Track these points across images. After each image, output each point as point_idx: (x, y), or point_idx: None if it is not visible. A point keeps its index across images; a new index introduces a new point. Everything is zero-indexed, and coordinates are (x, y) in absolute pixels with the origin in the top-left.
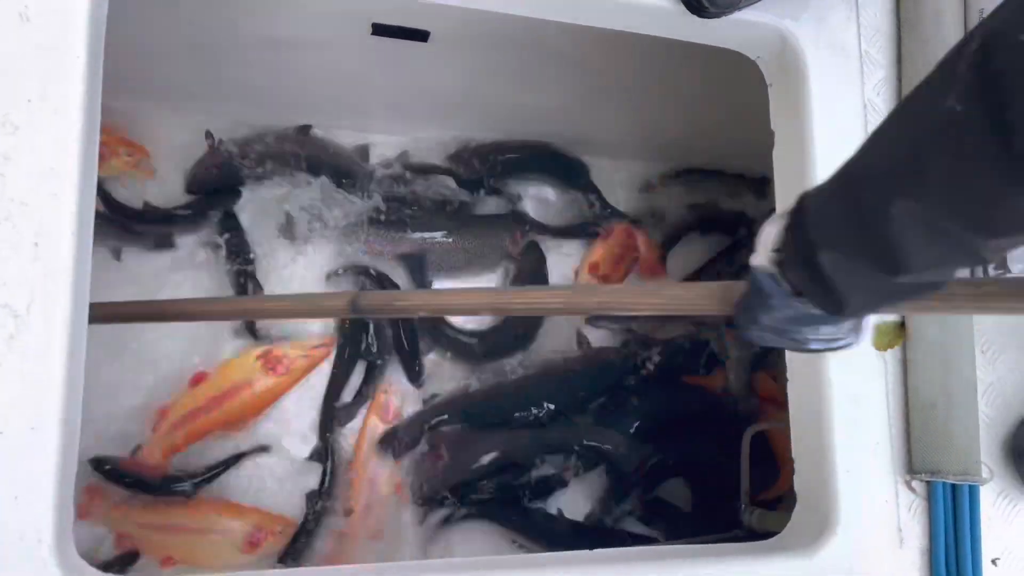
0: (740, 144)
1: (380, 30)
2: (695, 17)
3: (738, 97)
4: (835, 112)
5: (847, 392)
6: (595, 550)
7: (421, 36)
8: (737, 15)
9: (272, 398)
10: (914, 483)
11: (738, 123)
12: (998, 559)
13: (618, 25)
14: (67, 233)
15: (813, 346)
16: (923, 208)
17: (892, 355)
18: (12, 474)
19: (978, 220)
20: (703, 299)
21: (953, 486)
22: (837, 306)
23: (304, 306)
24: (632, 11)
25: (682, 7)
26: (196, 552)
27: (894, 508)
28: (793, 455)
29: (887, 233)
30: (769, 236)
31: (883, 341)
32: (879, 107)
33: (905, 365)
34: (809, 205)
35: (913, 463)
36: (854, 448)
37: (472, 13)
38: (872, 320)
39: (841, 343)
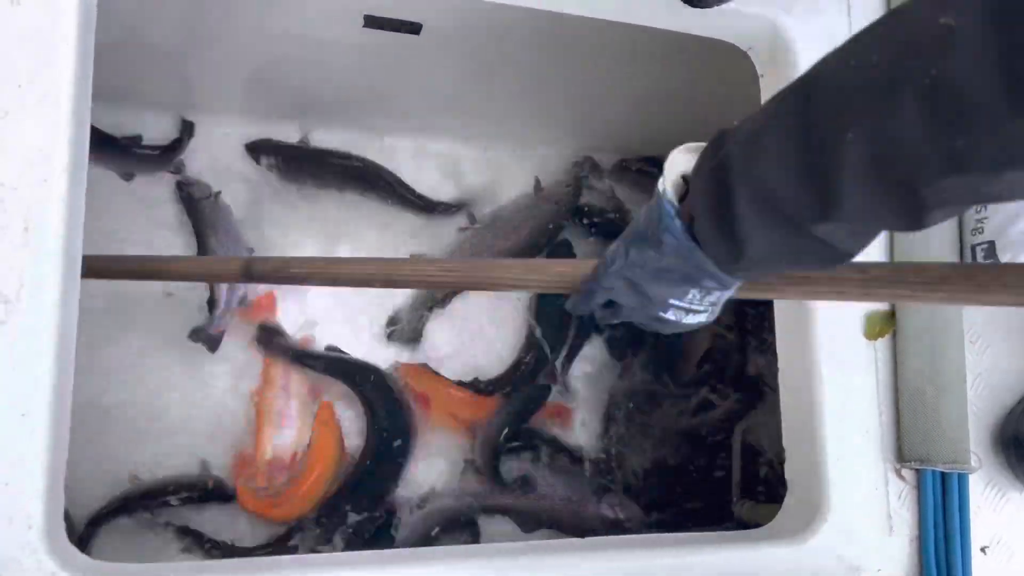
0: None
1: (372, 22)
2: (688, 7)
3: (727, 89)
4: None
5: (837, 381)
6: (586, 538)
7: (413, 28)
8: (729, 5)
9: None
10: (904, 471)
11: (727, 115)
12: (987, 547)
13: (611, 15)
14: (57, 218)
15: (668, 315)
16: (885, 140)
17: (882, 344)
18: (2, 460)
19: (951, 157)
20: (542, 274)
21: (942, 474)
22: (733, 254)
23: (197, 268)
24: (625, 1)
25: None
26: None
27: (884, 496)
28: (784, 444)
29: (832, 167)
30: (678, 162)
31: (873, 330)
32: None
33: (895, 354)
34: (735, 131)
35: (903, 451)
36: (844, 437)
37: (465, 4)
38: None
39: (697, 317)
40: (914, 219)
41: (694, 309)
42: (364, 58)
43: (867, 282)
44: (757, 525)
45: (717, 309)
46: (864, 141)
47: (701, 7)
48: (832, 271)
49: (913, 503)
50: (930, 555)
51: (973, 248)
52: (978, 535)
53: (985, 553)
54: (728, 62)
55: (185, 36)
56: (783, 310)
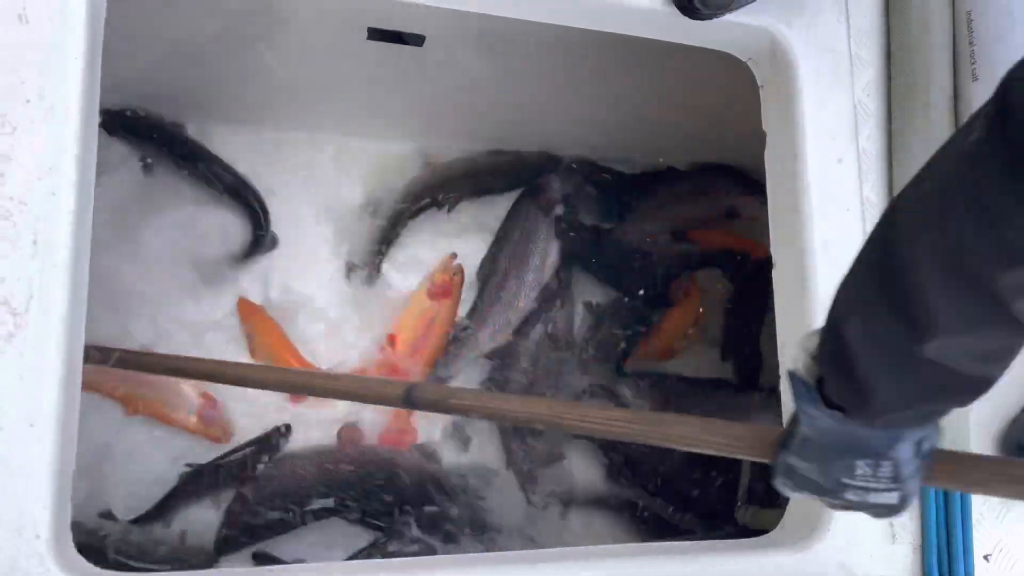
0: (729, 144)
1: (376, 35)
2: (687, 19)
3: (729, 98)
4: (826, 112)
5: None
6: (589, 546)
7: (417, 40)
8: (728, 17)
9: (452, 320)
10: None
11: (730, 123)
12: (990, 555)
13: (611, 27)
14: (65, 231)
15: (848, 496)
16: (950, 246)
17: None
18: (10, 469)
19: (1002, 251)
20: (745, 440)
21: None
22: (865, 399)
23: (358, 388)
24: (625, 14)
25: (674, 9)
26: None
27: None
28: None
29: (910, 280)
30: (809, 341)
31: None
32: (869, 107)
33: None
34: (838, 297)
35: None
36: None
37: (466, 16)
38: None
39: (881, 497)
40: (1005, 318)
41: (872, 488)
42: (369, 68)
43: None
44: (760, 530)
45: (906, 486)
46: (933, 251)
47: (700, 19)
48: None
49: (916, 511)
50: (933, 563)
51: None
52: (981, 543)
53: (988, 561)
54: (730, 71)
55: (193, 51)
56: (785, 318)
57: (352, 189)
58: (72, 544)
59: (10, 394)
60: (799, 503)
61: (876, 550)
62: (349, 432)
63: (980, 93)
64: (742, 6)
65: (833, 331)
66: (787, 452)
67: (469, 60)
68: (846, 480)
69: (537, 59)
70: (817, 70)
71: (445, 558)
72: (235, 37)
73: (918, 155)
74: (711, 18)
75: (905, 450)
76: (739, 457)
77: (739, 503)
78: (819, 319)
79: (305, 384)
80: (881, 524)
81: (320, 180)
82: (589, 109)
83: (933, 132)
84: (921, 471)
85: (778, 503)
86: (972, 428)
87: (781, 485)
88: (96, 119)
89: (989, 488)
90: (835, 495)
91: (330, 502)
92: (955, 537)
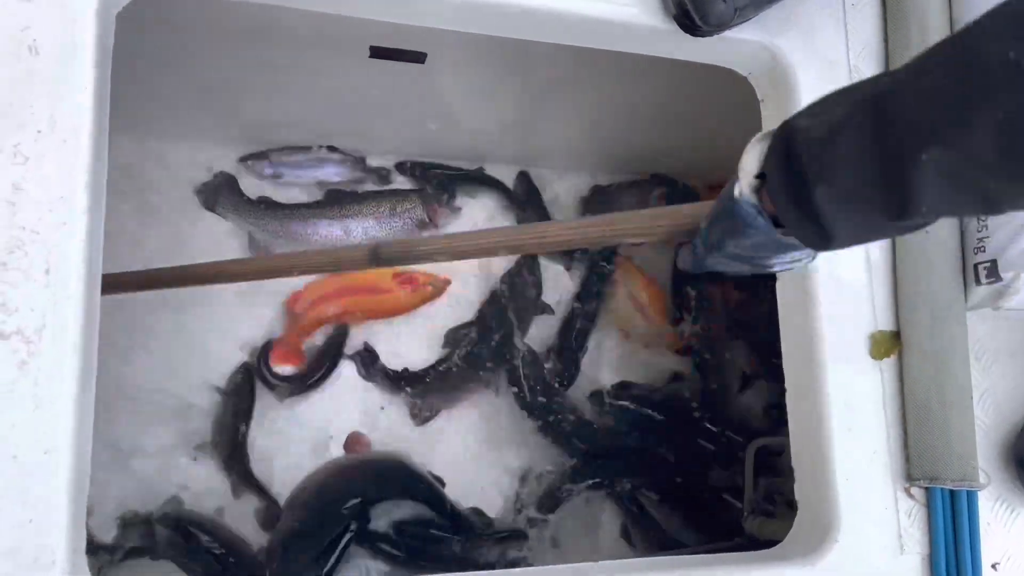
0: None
1: (378, 53)
2: (688, 36)
3: (730, 110)
4: None
5: (844, 401)
6: (598, 562)
7: (418, 58)
8: (728, 33)
9: (395, 310)
10: (913, 490)
11: (731, 135)
12: (998, 564)
13: (612, 46)
14: (77, 260)
15: (775, 268)
16: (959, 160)
17: (888, 364)
18: (26, 497)
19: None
20: (664, 221)
21: (951, 492)
22: (823, 240)
23: (325, 259)
24: (626, 32)
25: (675, 27)
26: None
27: (894, 515)
28: (792, 464)
29: (909, 179)
30: (752, 161)
31: (879, 351)
32: None
33: (901, 373)
34: (804, 131)
35: (911, 470)
36: (853, 456)
37: (467, 36)
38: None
39: (800, 263)
40: (991, 212)
41: (797, 259)
42: (371, 86)
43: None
44: (768, 540)
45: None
46: (940, 162)
47: (700, 35)
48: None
49: (923, 521)
50: (941, 573)
51: (976, 267)
52: (989, 552)
53: (996, 570)
54: (730, 85)
55: (193, 73)
56: (789, 332)
57: None
58: (87, 567)
59: (24, 422)
60: (807, 518)
61: (884, 561)
62: (355, 439)
63: None
64: (742, 22)
65: (798, 178)
66: (714, 254)
67: (470, 77)
68: (775, 260)
69: (538, 75)
70: (817, 83)
71: None
72: (238, 62)
73: None
74: (711, 35)
75: None
76: (667, 237)
77: (745, 513)
78: (826, 341)
79: (276, 267)
80: (890, 535)
81: None
82: (589, 126)
83: None
84: None
85: (785, 513)
86: (978, 436)
87: (702, 261)
88: (106, 148)
89: None
90: (762, 267)
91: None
92: (963, 546)
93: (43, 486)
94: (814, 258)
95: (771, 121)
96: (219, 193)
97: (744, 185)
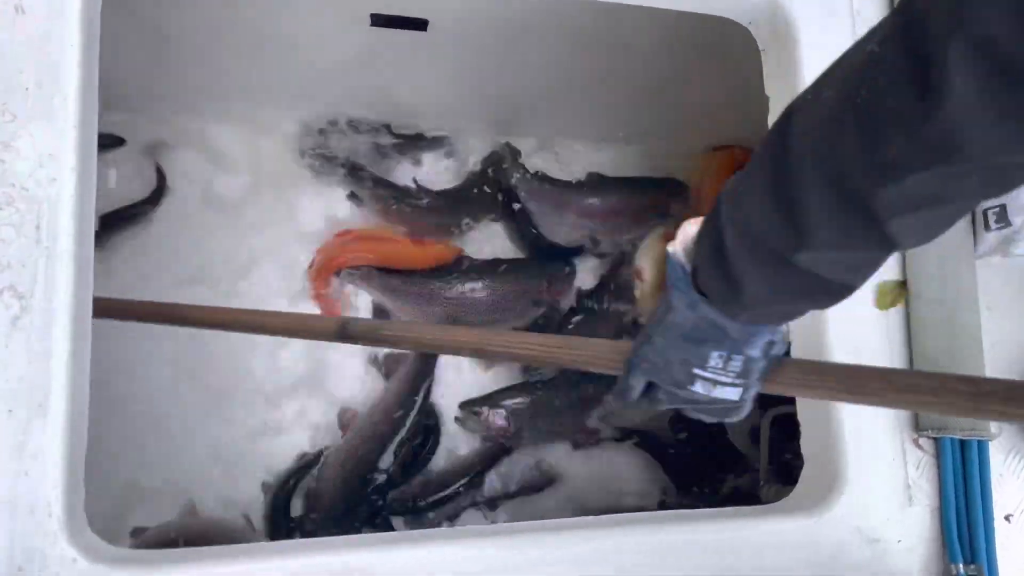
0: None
1: (379, 20)
2: None
3: (731, 68)
4: None
5: (850, 351)
6: (607, 515)
7: (420, 25)
8: None
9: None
10: (921, 441)
11: (731, 96)
12: (1011, 515)
13: None
14: (67, 216)
15: (696, 388)
16: (836, 159)
17: (894, 313)
18: (22, 450)
19: (885, 165)
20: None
21: (961, 442)
22: (731, 292)
23: (294, 325)
24: None
25: None
26: None
27: (902, 466)
28: (799, 417)
29: (794, 192)
30: (690, 231)
31: (884, 301)
32: None
33: (908, 323)
34: (729, 181)
35: (920, 421)
36: (859, 408)
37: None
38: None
39: (726, 391)
40: (878, 235)
41: (720, 381)
42: (372, 55)
43: (977, 396)
44: None
45: (749, 385)
46: (819, 162)
47: None
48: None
49: (932, 473)
50: (951, 524)
51: (985, 213)
52: (1001, 503)
53: (1009, 521)
54: (730, 39)
55: (194, 40)
56: None
57: None
58: (86, 522)
59: (19, 377)
60: (814, 470)
61: (892, 513)
62: (348, 416)
63: None
64: None
65: (714, 225)
66: (649, 338)
67: (471, 44)
68: (697, 371)
69: (542, 39)
70: (818, 31)
71: (458, 530)
72: (235, 27)
73: None
74: None
75: (757, 348)
76: (604, 371)
77: (762, 482)
78: None
79: (241, 322)
80: (898, 487)
81: None
82: (593, 93)
83: None
84: (765, 371)
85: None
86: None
87: (632, 379)
88: (95, 106)
89: (818, 392)
90: (683, 385)
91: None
92: (973, 498)
93: (38, 440)
94: (739, 393)
95: (772, 73)
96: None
97: (679, 245)
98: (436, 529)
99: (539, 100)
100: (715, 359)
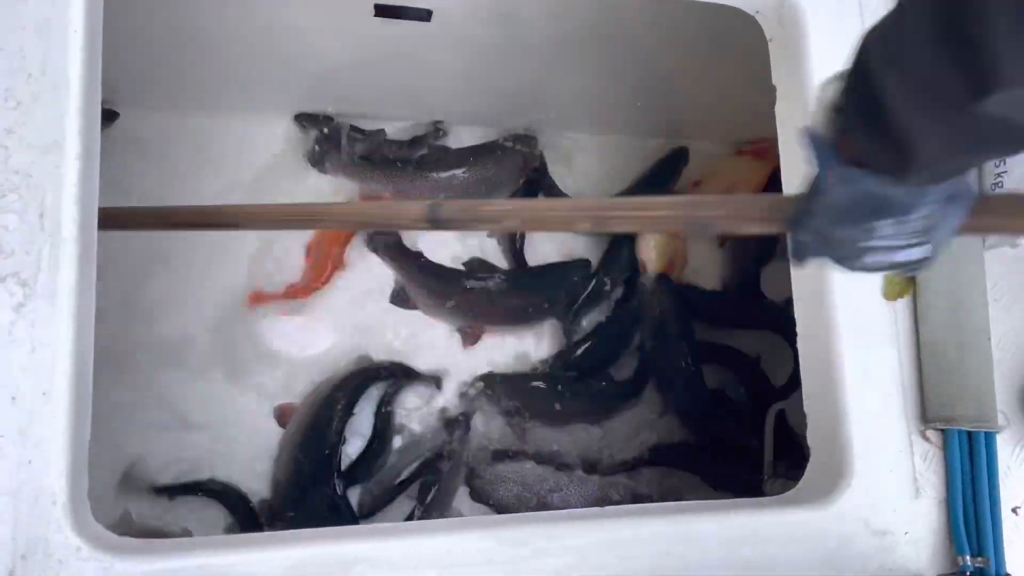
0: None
1: (383, 11)
2: None
3: (737, 59)
4: (836, 62)
5: (857, 343)
6: (612, 506)
7: (424, 16)
8: None
9: None
10: (928, 432)
11: (739, 87)
12: (1018, 507)
13: None
14: (70, 204)
15: (868, 258)
16: None
17: (902, 305)
18: (26, 438)
19: None
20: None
21: (969, 434)
22: (904, 156)
23: (378, 214)
24: None
25: None
26: None
27: (909, 458)
28: (805, 408)
29: (975, 23)
30: (827, 92)
31: (892, 291)
32: None
33: (916, 314)
34: (872, 28)
35: (927, 412)
36: (866, 399)
37: None
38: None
39: (907, 254)
40: None
41: (897, 246)
42: (377, 47)
43: None
44: None
45: (938, 240)
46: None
47: None
48: None
49: (939, 465)
50: (959, 516)
51: None
52: (1009, 495)
53: (1016, 513)
54: (736, 28)
55: (193, 32)
56: (800, 274)
57: None
58: (89, 510)
59: (23, 365)
60: (820, 462)
61: (899, 505)
62: (285, 409)
63: None
64: None
65: (867, 81)
66: (804, 219)
67: (475, 35)
68: (866, 243)
69: (548, 30)
70: (826, 20)
71: (456, 521)
72: (237, 18)
73: None
74: None
75: (935, 204)
76: (753, 231)
77: (766, 476)
78: (837, 282)
79: (322, 215)
80: (905, 479)
81: None
82: (602, 84)
83: None
84: (955, 218)
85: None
86: (997, 379)
87: (796, 255)
88: (98, 92)
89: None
90: (853, 261)
91: None
92: (981, 490)
93: (42, 428)
94: (920, 253)
95: (779, 62)
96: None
97: (817, 117)
98: (438, 520)
99: (544, 93)
100: (886, 228)
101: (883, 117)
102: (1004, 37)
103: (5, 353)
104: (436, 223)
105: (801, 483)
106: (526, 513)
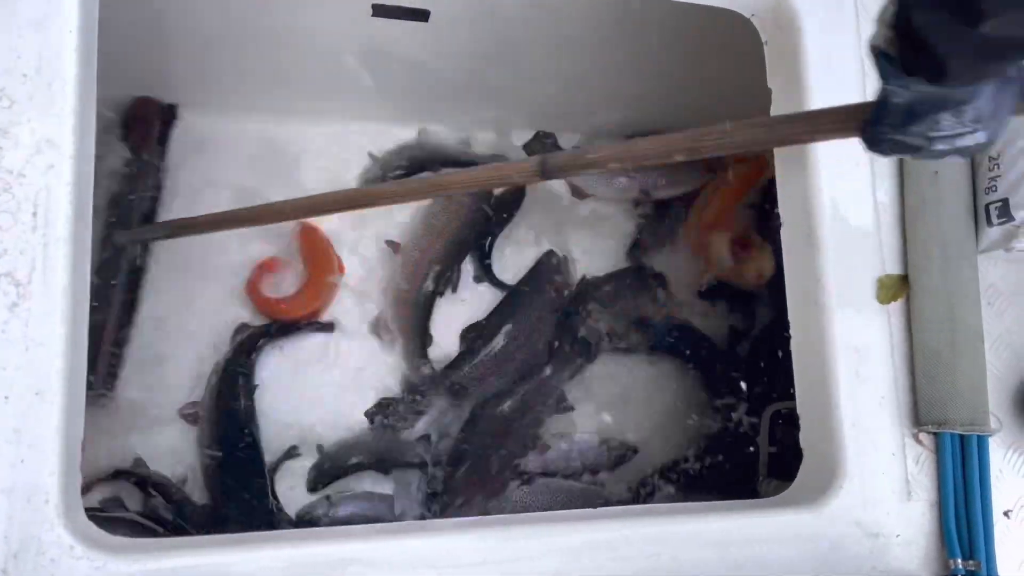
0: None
1: (380, 11)
2: None
3: (732, 61)
4: (832, 65)
5: (850, 345)
6: (605, 507)
7: (422, 16)
8: None
9: None
10: (921, 435)
11: (734, 88)
12: (1010, 511)
13: None
14: (64, 203)
15: (938, 146)
16: None
17: (896, 307)
18: (19, 437)
19: None
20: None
21: (961, 437)
22: (939, 69)
23: (490, 175)
24: None
25: None
26: None
27: (901, 461)
28: (798, 410)
29: None
30: (886, 12)
31: (886, 294)
32: None
33: (909, 317)
34: None
35: (920, 415)
36: (859, 402)
37: None
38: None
39: (965, 138)
40: None
41: (960, 133)
42: (375, 47)
43: None
44: None
45: (998, 123)
46: None
47: None
48: None
49: (932, 467)
50: (950, 519)
51: (987, 208)
52: (1000, 499)
53: (1008, 517)
54: (731, 30)
55: (189, 31)
56: (794, 276)
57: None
58: (82, 510)
59: (16, 364)
60: (813, 464)
61: (892, 507)
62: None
63: None
64: None
65: (902, 11)
66: (877, 122)
67: (473, 36)
68: (933, 134)
69: (543, 32)
70: (821, 22)
71: (452, 521)
72: (232, 18)
73: None
74: None
75: (987, 94)
76: (832, 138)
77: (761, 477)
78: (832, 285)
79: (421, 189)
80: (897, 481)
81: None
82: (596, 87)
83: None
84: (1007, 104)
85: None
86: (990, 382)
87: (874, 151)
88: (93, 92)
89: None
90: (926, 150)
91: None
92: (973, 493)
93: (35, 427)
94: (983, 135)
95: (775, 65)
96: None
97: (877, 34)
98: (435, 520)
99: (541, 94)
100: (947, 119)
101: (917, 41)
102: None
103: None
104: (547, 175)
105: (794, 485)
106: (522, 514)
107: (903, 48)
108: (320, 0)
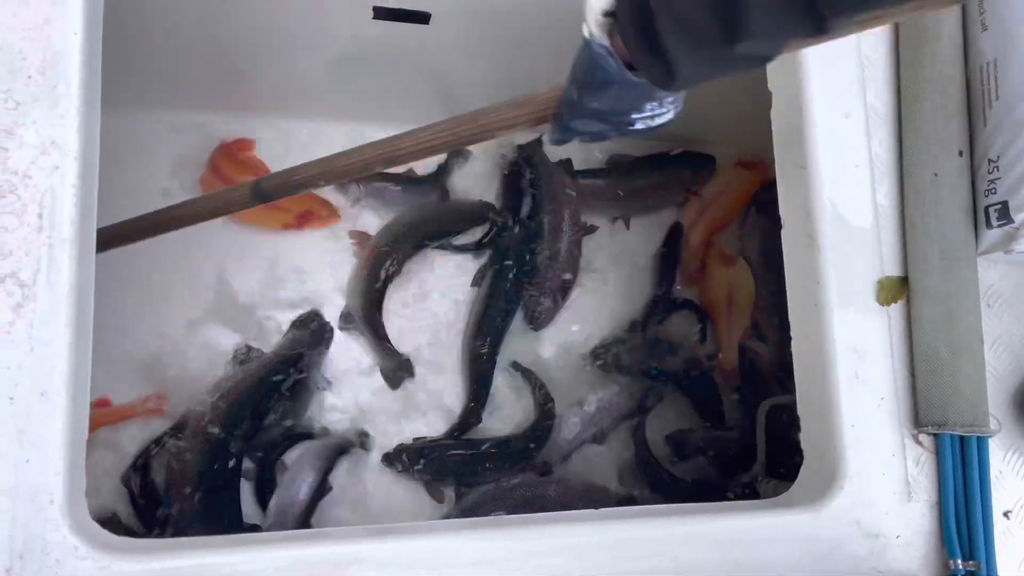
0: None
1: (381, 14)
2: None
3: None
4: (831, 68)
5: (850, 347)
6: (605, 508)
7: (422, 18)
8: None
9: None
10: (921, 436)
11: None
12: (1010, 512)
13: None
14: (70, 205)
15: (637, 126)
16: None
17: (895, 309)
18: (23, 438)
19: None
20: (524, 108)
21: (961, 438)
22: (668, 77)
23: (211, 205)
24: None
25: None
26: None
27: (901, 462)
28: (798, 411)
29: None
30: (596, 5)
31: (886, 296)
32: (876, 61)
33: (909, 319)
34: None
35: (919, 416)
36: (859, 403)
37: None
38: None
39: (662, 117)
40: (816, 26)
41: (658, 114)
42: (375, 49)
43: None
44: None
45: (680, 102)
46: None
47: None
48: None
49: (932, 468)
50: (950, 520)
51: (987, 210)
52: (1000, 500)
53: (1008, 518)
54: None
55: (195, 34)
56: (794, 278)
57: None
58: (87, 510)
59: (21, 365)
60: (813, 465)
61: (891, 508)
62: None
63: (990, 43)
64: None
65: (647, 25)
66: (578, 105)
67: (474, 38)
68: (635, 115)
69: (545, 33)
70: None
71: (451, 522)
72: (236, 22)
73: (927, 108)
74: None
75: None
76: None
77: (759, 477)
78: (832, 286)
79: (165, 220)
80: (897, 482)
81: None
82: None
83: (942, 84)
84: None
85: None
86: (990, 383)
87: (569, 125)
88: (98, 93)
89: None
90: (622, 127)
91: None
92: (973, 494)
93: (40, 427)
94: (674, 112)
95: (775, 66)
96: None
97: (592, 23)
98: (436, 521)
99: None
100: (650, 106)
101: (656, 47)
102: (756, 6)
103: (3, 353)
104: (262, 198)
105: (794, 486)
106: (522, 515)
107: (626, 42)
108: (320, 2)
